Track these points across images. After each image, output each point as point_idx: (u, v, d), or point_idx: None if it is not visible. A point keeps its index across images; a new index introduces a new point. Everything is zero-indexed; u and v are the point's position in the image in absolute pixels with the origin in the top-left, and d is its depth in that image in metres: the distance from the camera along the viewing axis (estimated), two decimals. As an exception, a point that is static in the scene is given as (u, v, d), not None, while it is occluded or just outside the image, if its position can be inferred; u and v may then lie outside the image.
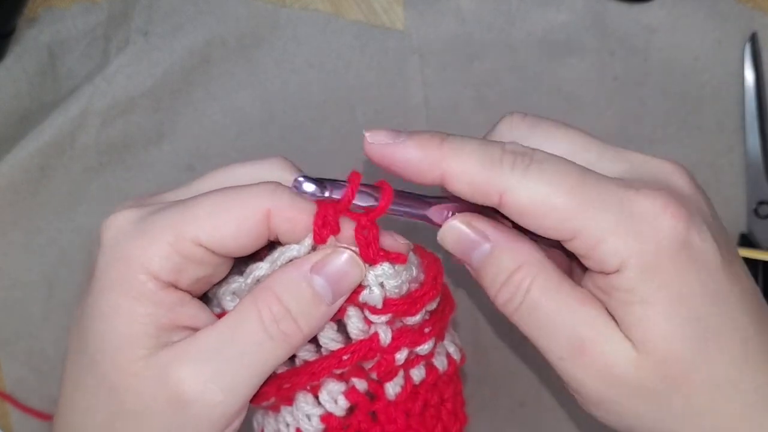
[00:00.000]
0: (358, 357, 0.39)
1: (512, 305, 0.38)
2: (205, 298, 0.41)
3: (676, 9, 0.58)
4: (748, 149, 0.58)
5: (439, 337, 0.43)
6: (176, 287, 0.38)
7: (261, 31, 0.60)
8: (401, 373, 0.41)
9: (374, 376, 0.41)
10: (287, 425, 0.41)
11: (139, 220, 0.38)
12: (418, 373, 0.41)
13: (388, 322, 0.40)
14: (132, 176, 0.61)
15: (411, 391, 0.41)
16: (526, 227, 0.37)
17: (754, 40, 0.58)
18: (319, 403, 0.40)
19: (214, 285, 0.41)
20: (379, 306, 0.39)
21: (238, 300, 0.39)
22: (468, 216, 0.39)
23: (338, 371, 0.40)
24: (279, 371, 0.41)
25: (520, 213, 0.37)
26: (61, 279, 0.61)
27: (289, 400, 0.41)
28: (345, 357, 0.39)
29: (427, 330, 0.41)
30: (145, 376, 0.37)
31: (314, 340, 0.40)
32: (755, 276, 0.58)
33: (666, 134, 0.59)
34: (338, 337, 0.40)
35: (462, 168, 0.37)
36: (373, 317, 0.39)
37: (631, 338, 0.36)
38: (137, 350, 0.37)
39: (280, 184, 0.38)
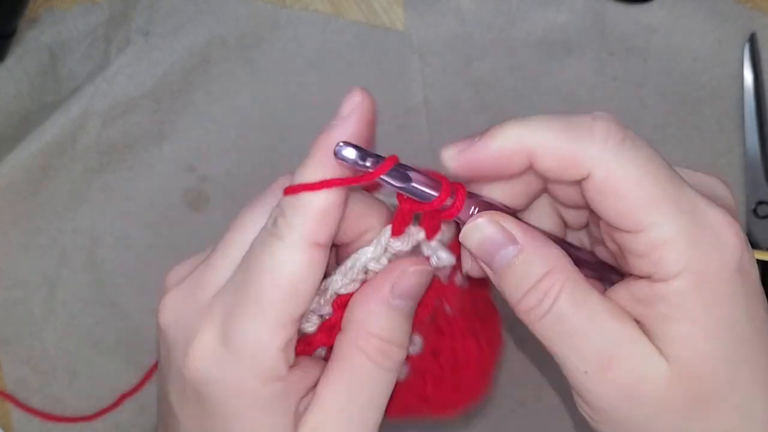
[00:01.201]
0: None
1: (536, 314, 0.36)
2: None
3: (676, 9, 0.58)
4: (747, 149, 0.58)
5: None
6: (293, 369, 0.37)
7: (261, 32, 0.60)
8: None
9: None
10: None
11: (220, 342, 0.36)
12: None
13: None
14: (132, 176, 0.61)
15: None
16: (599, 210, 0.35)
17: (753, 40, 0.58)
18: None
19: None
20: (453, 262, 0.39)
21: (318, 319, 0.39)
22: (496, 214, 0.37)
23: None
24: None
25: (603, 190, 0.34)
26: (62, 279, 0.61)
27: None
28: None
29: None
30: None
31: None
32: (755, 276, 0.58)
33: (666, 134, 0.59)
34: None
35: (550, 140, 0.34)
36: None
37: (665, 354, 0.35)
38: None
39: (284, 214, 0.37)
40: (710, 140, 0.59)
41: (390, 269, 0.38)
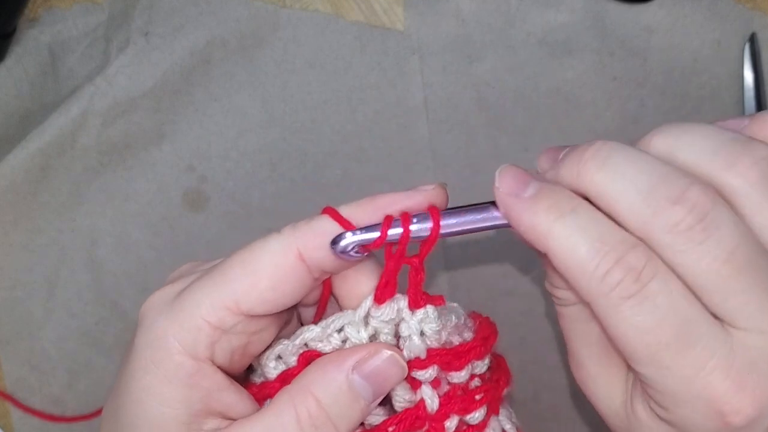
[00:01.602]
0: (404, 427, 0.37)
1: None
2: (251, 368, 0.40)
3: (676, 9, 0.58)
4: (747, 149, 0.58)
5: (493, 410, 0.40)
6: (215, 366, 0.36)
7: (261, 32, 0.60)
8: None
9: None
10: None
11: (174, 297, 0.36)
12: None
13: (433, 383, 0.38)
14: (132, 176, 0.61)
15: None
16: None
17: (753, 40, 0.58)
18: None
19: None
20: (423, 356, 0.37)
21: (282, 366, 0.38)
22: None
23: None
24: None
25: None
26: (62, 279, 0.61)
27: None
28: (391, 429, 0.37)
29: (478, 397, 0.39)
30: None
31: None
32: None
33: (666, 134, 0.59)
34: (381, 411, 0.38)
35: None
36: (418, 374, 0.37)
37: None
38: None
39: (295, 224, 0.37)
40: (710, 140, 0.59)
41: (366, 345, 0.37)
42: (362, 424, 0.38)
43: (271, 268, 0.35)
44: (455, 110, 0.60)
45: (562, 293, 0.38)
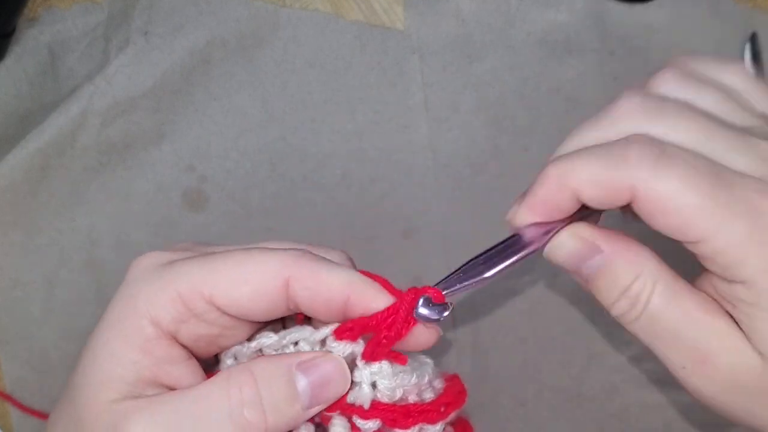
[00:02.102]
0: None
1: (630, 317, 0.36)
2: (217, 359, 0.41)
3: (676, 9, 0.58)
4: (747, 149, 0.58)
5: None
6: (176, 341, 0.37)
7: (261, 32, 0.60)
8: None
9: None
10: None
11: (163, 264, 0.37)
12: None
13: None
14: (132, 176, 0.61)
15: None
16: (654, 226, 0.36)
17: (753, 40, 0.58)
18: None
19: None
20: (366, 406, 0.36)
21: (235, 364, 0.38)
22: (575, 227, 0.37)
23: None
24: None
25: (649, 210, 0.35)
26: (61, 279, 0.61)
27: None
28: None
29: None
30: (103, 420, 0.35)
31: None
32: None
33: (666, 134, 0.59)
34: None
35: (588, 175, 0.35)
36: (359, 422, 0.37)
37: (758, 349, 0.35)
38: (109, 393, 0.36)
39: (307, 252, 0.37)
40: (710, 140, 0.59)
41: (317, 351, 0.37)
42: None
43: (258, 280, 0.36)
44: (455, 110, 0.60)
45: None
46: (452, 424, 0.40)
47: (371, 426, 0.36)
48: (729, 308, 0.36)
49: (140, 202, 0.61)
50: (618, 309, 0.37)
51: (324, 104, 0.60)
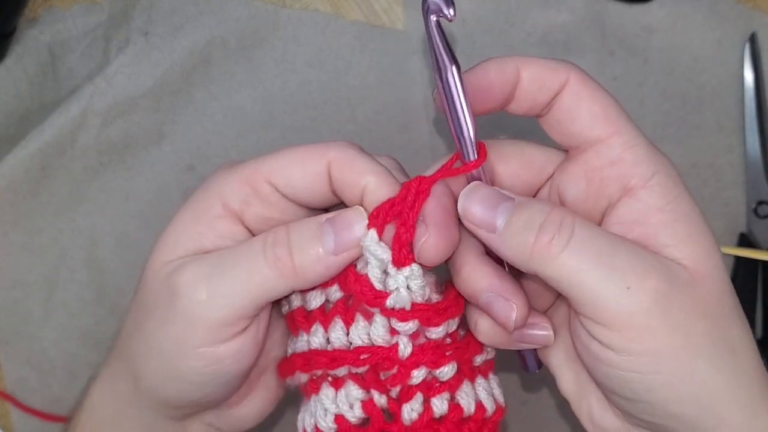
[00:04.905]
0: (374, 360, 0.40)
1: (558, 245, 0.36)
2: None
3: (676, 9, 0.58)
4: (747, 149, 0.58)
5: (467, 375, 0.42)
6: (242, 223, 0.41)
7: (261, 32, 0.60)
8: (419, 397, 0.40)
9: (394, 394, 0.40)
10: (311, 415, 0.41)
11: (234, 165, 0.42)
12: (439, 405, 0.40)
13: (412, 336, 0.40)
14: (132, 176, 0.61)
15: (429, 422, 0.40)
16: (574, 118, 0.39)
17: (753, 40, 0.58)
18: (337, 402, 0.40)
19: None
20: (408, 307, 0.39)
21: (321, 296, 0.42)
22: (483, 184, 0.40)
23: (359, 371, 0.40)
24: (302, 350, 0.42)
25: (579, 95, 0.39)
26: (61, 279, 0.61)
27: (316, 389, 0.41)
28: (363, 356, 0.40)
29: (448, 353, 0.41)
30: (161, 272, 0.41)
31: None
32: (755, 276, 0.58)
33: (666, 134, 0.59)
34: (367, 339, 0.40)
35: (534, 59, 0.41)
36: (399, 325, 0.40)
37: (679, 258, 0.37)
38: (170, 255, 0.41)
39: (352, 144, 0.41)
40: (710, 140, 0.59)
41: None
42: (350, 345, 0.40)
43: (306, 161, 0.40)
44: (455, 110, 0.60)
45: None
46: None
47: (411, 327, 0.40)
48: (639, 237, 0.38)
49: (140, 202, 0.61)
50: (543, 239, 0.37)
51: (324, 104, 0.60)
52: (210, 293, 0.39)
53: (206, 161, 0.60)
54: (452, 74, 0.38)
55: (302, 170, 0.40)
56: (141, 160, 0.61)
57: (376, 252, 0.39)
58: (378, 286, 0.39)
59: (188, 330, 0.39)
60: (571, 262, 0.36)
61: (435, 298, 0.41)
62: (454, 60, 0.38)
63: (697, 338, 0.36)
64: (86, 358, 0.61)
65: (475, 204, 0.39)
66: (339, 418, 0.40)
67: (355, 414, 0.40)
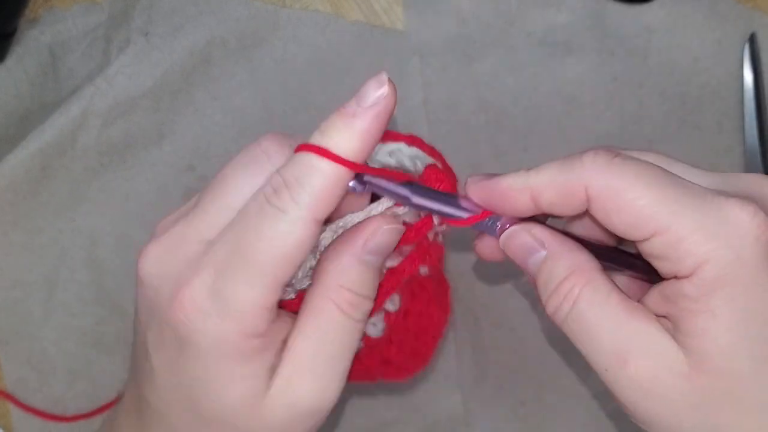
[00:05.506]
0: (418, 235, 0.41)
1: (560, 314, 0.38)
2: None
3: (676, 9, 0.58)
4: (747, 149, 0.58)
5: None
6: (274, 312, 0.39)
7: (261, 32, 0.60)
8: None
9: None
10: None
11: (211, 292, 0.37)
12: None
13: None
14: (132, 176, 0.61)
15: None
16: (610, 226, 0.37)
17: (753, 40, 0.58)
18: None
19: None
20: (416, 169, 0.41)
21: (310, 275, 0.40)
22: (529, 225, 0.39)
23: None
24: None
25: (604, 208, 0.36)
26: (62, 279, 0.61)
27: None
28: (405, 249, 0.41)
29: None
30: (272, 409, 0.38)
31: None
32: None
33: (665, 134, 0.59)
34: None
35: (546, 177, 0.37)
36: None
37: (687, 348, 0.35)
38: (255, 390, 0.38)
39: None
40: (710, 140, 0.59)
41: (364, 226, 0.39)
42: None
43: (295, 248, 0.37)
44: (455, 110, 0.60)
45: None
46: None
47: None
48: (670, 315, 0.36)
49: (140, 202, 0.61)
50: (551, 306, 0.38)
51: (324, 104, 0.60)
52: (337, 388, 0.40)
53: (206, 161, 0.60)
54: (418, 198, 0.39)
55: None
56: (141, 160, 0.61)
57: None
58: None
59: None
60: (569, 334, 0.38)
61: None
62: (408, 184, 0.38)
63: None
64: (86, 358, 0.61)
65: (510, 250, 0.40)
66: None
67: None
